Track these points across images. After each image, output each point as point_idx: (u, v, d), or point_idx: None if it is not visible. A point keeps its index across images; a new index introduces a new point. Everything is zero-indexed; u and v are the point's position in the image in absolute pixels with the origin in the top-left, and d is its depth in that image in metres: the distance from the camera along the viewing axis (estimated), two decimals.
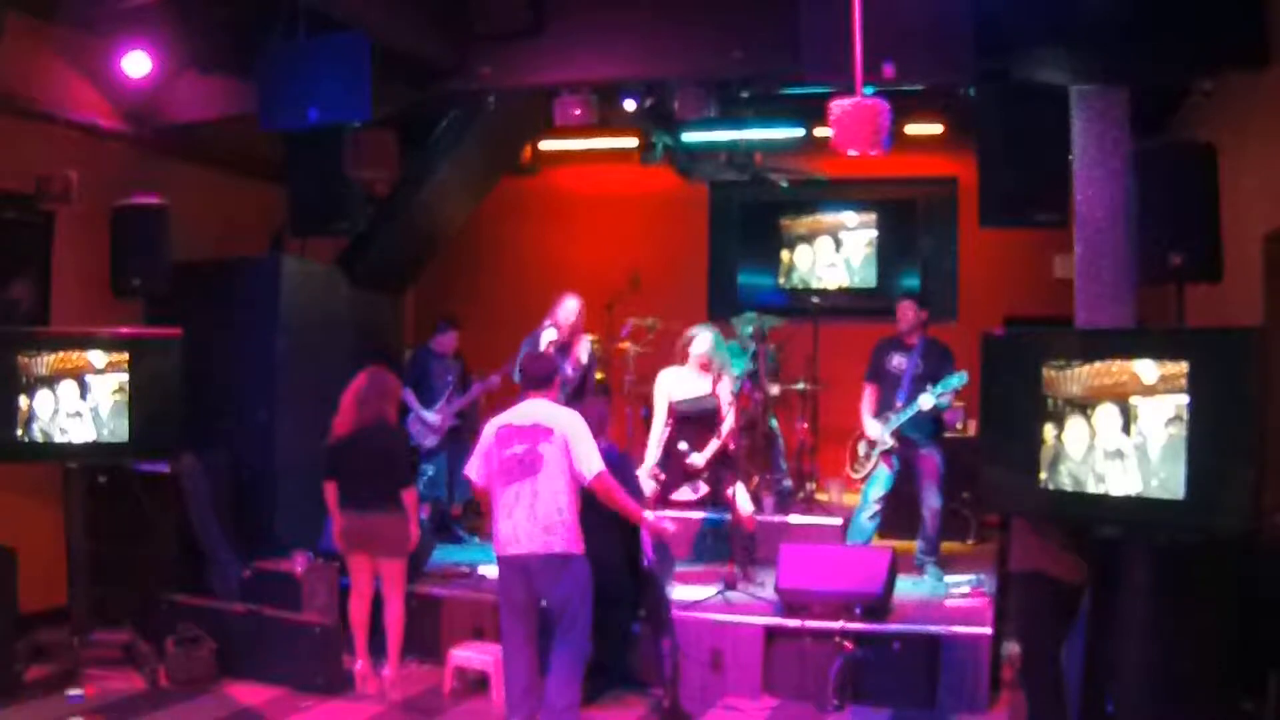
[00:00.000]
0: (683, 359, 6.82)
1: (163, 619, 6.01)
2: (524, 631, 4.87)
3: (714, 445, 6.63)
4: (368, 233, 7.86)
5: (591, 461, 4.87)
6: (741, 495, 6.48)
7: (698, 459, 6.60)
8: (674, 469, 6.69)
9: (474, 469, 5.06)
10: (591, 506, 5.00)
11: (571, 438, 4.86)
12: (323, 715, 5.39)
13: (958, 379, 6.30)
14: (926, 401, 6.35)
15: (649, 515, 5.44)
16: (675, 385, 6.79)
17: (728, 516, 6.40)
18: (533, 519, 4.75)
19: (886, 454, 6.56)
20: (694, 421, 6.69)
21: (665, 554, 6.20)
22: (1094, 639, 4.40)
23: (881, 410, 6.62)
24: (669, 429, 6.74)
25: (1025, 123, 5.81)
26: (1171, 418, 3.88)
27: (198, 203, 7.38)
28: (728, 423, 6.68)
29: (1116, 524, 4.16)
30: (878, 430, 6.57)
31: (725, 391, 6.70)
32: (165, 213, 6.66)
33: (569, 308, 6.97)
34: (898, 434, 6.51)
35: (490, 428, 5.01)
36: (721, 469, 6.64)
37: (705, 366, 6.74)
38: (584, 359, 7.05)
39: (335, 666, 5.72)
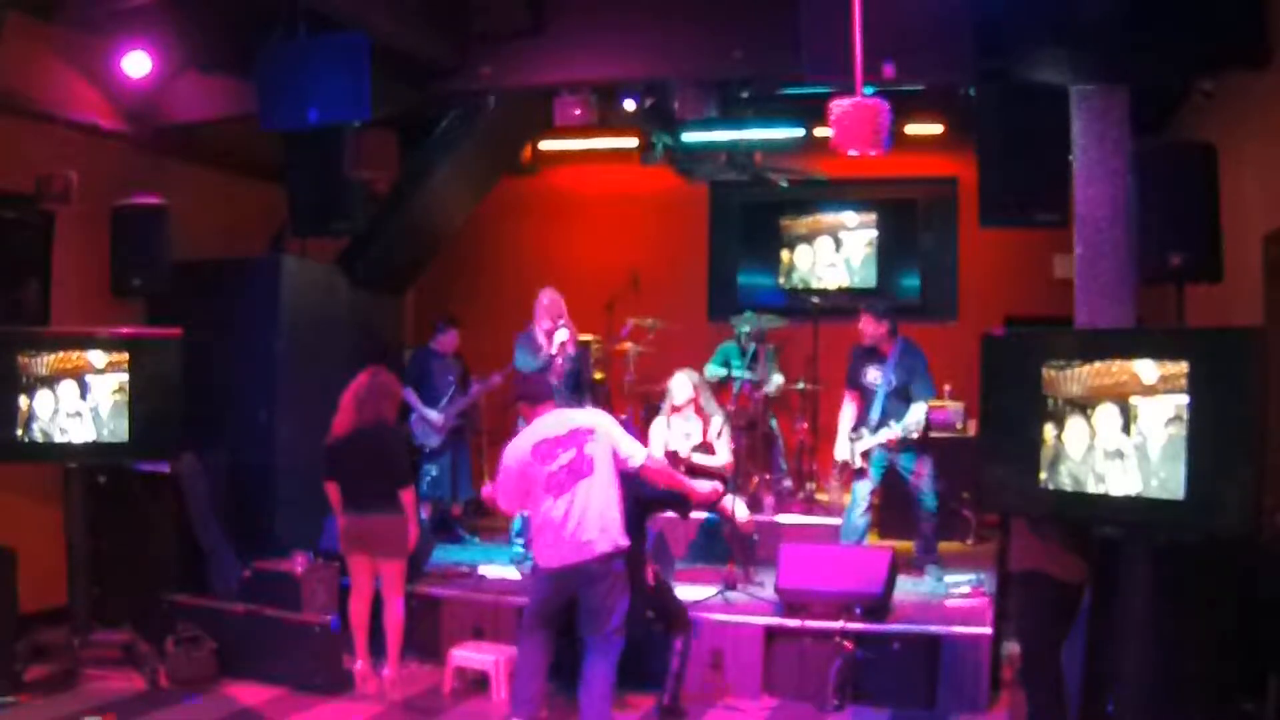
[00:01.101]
0: (670, 412, 6.81)
1: (163, 619, 6.01)
2: (547, 637, 4.85)
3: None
4: (368, 233, 7.86)
5: (636, 447, 4.89)
6: (736, 504, 6.47)
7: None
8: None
9: (510, 498, 4.87)
10: None
11: (612, 431, 4.85)
12: (323, 715, 5.38)
13: (915, 420, 6.20)
14: (889, 434, 6.29)
15: (703, 486, 5.43)
16: (666, 439, 6.78)
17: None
18: (592, 521, 4.67)
19: (857, 473, 6.48)
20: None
21: (664, 554, 6.19)
22: (1094, 639, 4.41)
23: (860, 423, 6.55)
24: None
25: (1025, 123, 5.81)
26: (1171, 418, 3.87)
27: (198, 203, 7.39)
28: (724, 454, 6.62)
29: (1116, 524, 4.15)
30: (846, 451, 6.51)
31: (715, 431, 6.68)
32: (165, 213, 6.67)
33: (556, 301, 6.91)
34: (870, 454, 6.45)
35: (520, 451, 4.80)
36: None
37: (698, 408, 6.76)
38: (572, 349, 6.97)
39: (335, 666, 5.71)
